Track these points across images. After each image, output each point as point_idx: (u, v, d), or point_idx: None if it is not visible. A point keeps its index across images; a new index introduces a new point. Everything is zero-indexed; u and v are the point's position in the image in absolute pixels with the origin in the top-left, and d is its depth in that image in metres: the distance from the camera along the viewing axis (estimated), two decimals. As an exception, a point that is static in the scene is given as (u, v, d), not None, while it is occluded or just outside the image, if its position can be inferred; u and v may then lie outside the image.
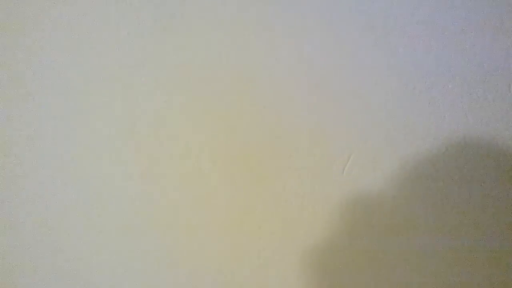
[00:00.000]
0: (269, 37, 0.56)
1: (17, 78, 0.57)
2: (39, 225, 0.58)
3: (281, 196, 0.57)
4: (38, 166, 0.58)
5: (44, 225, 0.58)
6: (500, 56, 0.54)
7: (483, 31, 0.54)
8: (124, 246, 0.58)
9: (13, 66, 0.57)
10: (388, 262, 0.57)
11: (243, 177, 0.57)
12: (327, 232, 0.57)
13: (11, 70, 0.57)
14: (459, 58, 0.54)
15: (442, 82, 0.55)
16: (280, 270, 0.58)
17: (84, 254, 0.59)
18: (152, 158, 0.57)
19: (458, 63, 0.54)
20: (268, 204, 0.57)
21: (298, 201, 0.57)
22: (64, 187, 0.58)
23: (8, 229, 0.58)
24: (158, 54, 0.57)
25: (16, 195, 0.58)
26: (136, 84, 0.57)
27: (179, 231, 0.58)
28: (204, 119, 0.57)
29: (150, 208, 0.58)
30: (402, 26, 0.55)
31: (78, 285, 0.59)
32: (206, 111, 0.57)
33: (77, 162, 0.58)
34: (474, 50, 0.54)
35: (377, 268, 0.57)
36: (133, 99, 0.57)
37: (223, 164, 0.57)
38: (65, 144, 0.57)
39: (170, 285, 0.59)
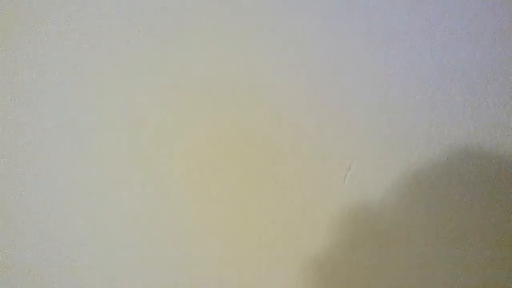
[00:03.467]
0: (268, 43, 0.55)
1: (17, 82, 0.57)
2: (38, 227, 0.58)
3: (281, 204, 0.57)
4: (37, 169, 0.57)
5: (44, 228, 0.58)
6: (501, 62, 0.54)
7: (484, 37, 0.54)
8: (124, 252, 0.58)
9: (13, 70, 0.57)
10: (390, 270, 0.57)
11: (242, 184, 0.57)
12: (328, 240, 0.57)
13: (11, 74, 0.57)
14: (460, 65, 0.54)
15: (443, 88, 0.54)
16: (280, 279, 0.58)
17: (83, 258, 0.58)
18: (151, 163, 0.57)
19: (459, 69, 0.54)
20: (269, 212, 0.57)
21: (299, 209, 0.57)
22: (63, 190, 0.57)
23: (7, 232, 0.58)
24: (158, 58, 0.56)
25: (16, 198, 0.58)
26: (137, 87, 0.57)
27: (178, 239, 0.58)
28: (204, 128, 0.57)
29: (150, 214, 0.58)
30: (402, 33, 0.54)
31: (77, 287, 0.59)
32: (205, 120, 0.56)
33: (77, 165, 0.57)
34: (475, 56, 0.54)
35: (379, 276, 0.57)
36: (133, 102, 0.57)
37: (223, 171, 0.57)
38: (65, 147, 0.57)
39: (171, 294, 0.59)
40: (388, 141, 0.55)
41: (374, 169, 0.55)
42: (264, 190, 0.57)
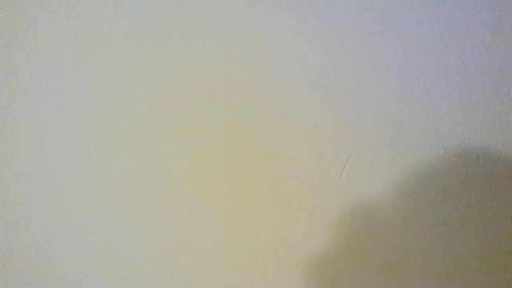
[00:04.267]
0: (268, 40, 0.56)
1: (15, 80, 0.57)
2: (34, 226, 0.58)
3: (278, 200, 0.57)
4: (35, 168, 0.57)
5: (40, 227, 0.58)
6: (499, 59, 0.54)
7: (482, 34, 0.54)
8: (121, 251, 0.58)
9: (11, 67, 0.57)
10: (387, 265, 0.56)
11: (240, 180, 0.57)
12: (325, 235, 0.56)
13: (8, 71, 0.57)
14: (458, 61, 0.54)
15: (441, 84, 0.54)
16: (278, 275, 0.57)
17: (80, 257, 0.58)
18: (149, 163, 0.57)
19: (457, 65, 0.54)
20: (266, 208, 0.57)
21: (296, 204, 0.56)
22: (60, 190, 0.57)
23: (5, 230, 0.58)
24: (156, 55, 0.56)
25: (13, 196, 0.57)
26: (134, 85, 0.57)
27: (175, 235, 0.57)
28: (201, 123, 0.56)
29: (147, 212, 0.57)
30: (401, 29, 0.54)
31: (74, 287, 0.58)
32: (203, 116, 0.56)
33: (74, 165, 0.57)
34: (473, 52, 0.54)
35: (376, 271, 0.56)
36: (132, 101, 0.57)
37: (220, 167, 0.57)
38: (62, 146, 0.57)
39: (166, 289, 0.58)
40: (385, 136, 0.55)
41: (371, 164, 0.55)
42: (261, 185, 0.56)
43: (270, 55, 0.56)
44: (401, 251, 0.56)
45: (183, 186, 0.57)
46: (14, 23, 0.56)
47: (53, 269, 0.58)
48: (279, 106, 0.56)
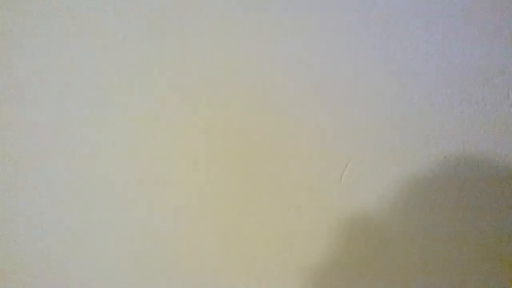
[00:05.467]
0: (267, 42, 0.55)
1: (15, 82, 0.57)
2: (34, 228, 0.58)
3: (278, 204, 0.57)
4: (34, 169, 0.57)
5: (40, 228, 0.58)
6: (499, 62, 0.54)
7: (482, 37, 0.54)
8: (120, 254, 0.58)
9: (11, 70, 0.56)
10: (387, 269, 0.56)
11: (239, 184, 0.57)
12: (325, 239, 0.56)
13: (9, 74, 0.56)
14: (458, 64, 0.54)
15: (440, 88, 0.54)
16: (277, 280, 0.57)
17: (79, 257, 0.58)
18: (148, 164, 0.57)
19: (457, 69, 0.54)
20: (265, 211, 0.57)
21: (296, 208, 0.57)
22: (60, 190, 0.57)
23: (5, 231, 0.58)
24: (155, 58, 0.56)
25: (14, 197, 0.57)
26: (133, 88, 0.56)
27: (175, 240, 0.58)
28: (201, 126, 0.56)
29: (147, 215, 0.57)
30: (400, 32, 0.54)
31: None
32: (202, 118, 0.56)
33: (73, 168, 0.57)
34: (473, 56, 0.54)
35: (375, 276, 0.57)
36: (131, 102, 0.56)
37: (220, 171, 0.57)
38: (61, 150, 0.57)
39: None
40: (385, 140, 0.55)
41: (370, 168, 0.55)
42: (261, 189, 0.56)
43: (270, 58, 0.55)
44: (401, 255, 0.56)
45: (182, 190, 0.57)
46: (14, 25, 0.56)
47: (54, 269, 0.58)
48: (278, 110, 0.56)
